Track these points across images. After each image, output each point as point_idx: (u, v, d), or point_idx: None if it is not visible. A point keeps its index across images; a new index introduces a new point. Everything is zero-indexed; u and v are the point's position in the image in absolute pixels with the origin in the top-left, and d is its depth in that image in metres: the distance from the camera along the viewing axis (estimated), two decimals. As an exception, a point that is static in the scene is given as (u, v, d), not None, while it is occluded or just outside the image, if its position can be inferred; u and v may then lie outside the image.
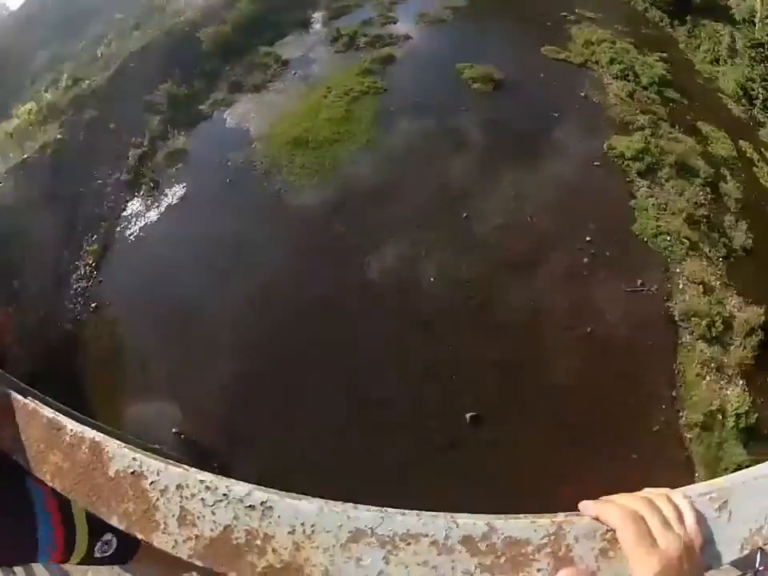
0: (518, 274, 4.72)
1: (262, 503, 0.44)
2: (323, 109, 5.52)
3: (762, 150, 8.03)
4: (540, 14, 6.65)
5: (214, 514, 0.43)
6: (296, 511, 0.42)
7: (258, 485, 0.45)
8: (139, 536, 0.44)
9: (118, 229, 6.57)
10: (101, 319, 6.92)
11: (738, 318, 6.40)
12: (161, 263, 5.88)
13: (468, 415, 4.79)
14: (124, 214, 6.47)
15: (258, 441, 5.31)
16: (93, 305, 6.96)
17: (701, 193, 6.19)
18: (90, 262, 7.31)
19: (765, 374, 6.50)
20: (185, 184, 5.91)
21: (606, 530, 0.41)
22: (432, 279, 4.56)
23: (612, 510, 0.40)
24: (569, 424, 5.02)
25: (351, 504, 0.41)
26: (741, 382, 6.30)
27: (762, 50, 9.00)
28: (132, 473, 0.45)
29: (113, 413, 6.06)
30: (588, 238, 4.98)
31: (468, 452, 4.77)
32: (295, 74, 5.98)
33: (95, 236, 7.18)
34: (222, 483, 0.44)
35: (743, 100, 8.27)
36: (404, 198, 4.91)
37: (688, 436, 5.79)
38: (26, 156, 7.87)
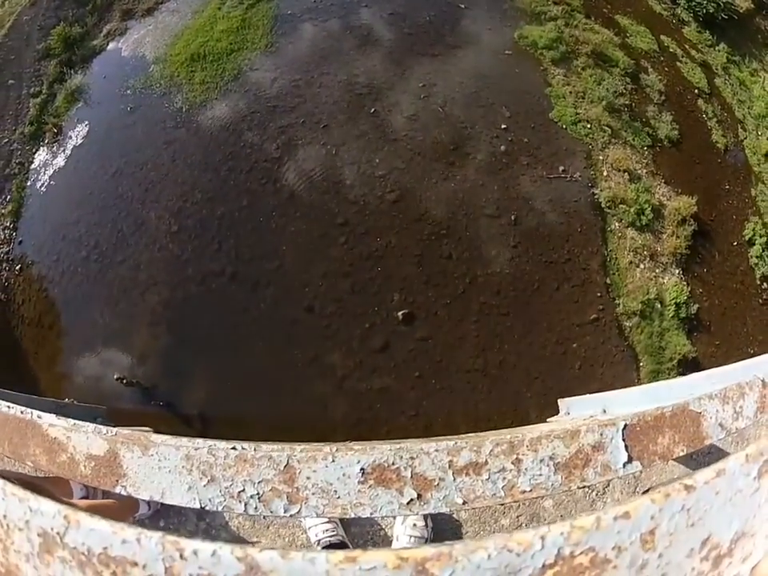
0: (434, 165, 4.62)
1: None
2: (218, 21, 5.24)
3: (687, 47, 8.05)
4: None
5: None
6: None
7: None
8: None
9: (29, 183, 6.22)
10: (28, 280, 6.66)
11: (669, 207, 6.49)
12: (75, 207, 5.63)
13: (400, 313, 4.74)
14: (32, 167, 6.13)
15: (198, 368, 5.22)
16: (17, 267, 6.69)
17: (620, 83, 6.15)
18: (8, 224, 6.94)
19: (701, 264, 6.66)
20: (87, 122, 5.59)
21: None
22: (344, 176, 4.43)
23: None
24: (503, 313, 5.04)
25: (34, 495, 0.31)
26: (677, 271, 6.41)
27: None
28: None
29: (55, 374, 5.90)
30: (504, 126, 4.89)
31: (404, 350, 4.75)
32: (188, -11, 5.65)
33: (8, 197, 6.82)
34: None
35: (665, -2, 8.20)
36: (309, 99, 4.72)
37: (627, 324, 5.87)
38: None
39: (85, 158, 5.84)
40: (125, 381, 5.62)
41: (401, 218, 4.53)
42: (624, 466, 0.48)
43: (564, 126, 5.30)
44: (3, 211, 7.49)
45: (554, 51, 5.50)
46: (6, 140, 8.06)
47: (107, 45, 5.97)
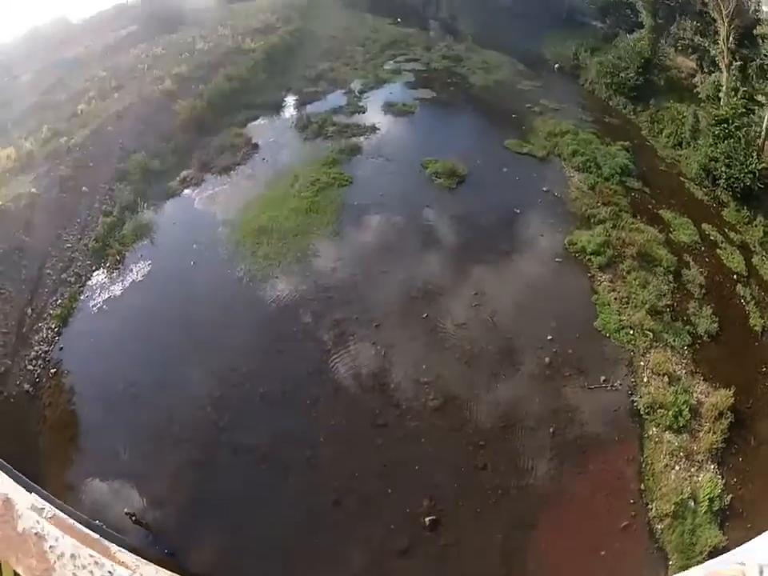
0: (478, 376, 4.68)
1: None
2: (289, 198, 5.57)
3: (726, 230, 8.27)
4: (505, 105, 6.86)
5: None
6: None
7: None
8: None
9: (82, 297, 6.47)
10: (59, 385, 6.78)
11: (706, 404, 6.38)
12: (122, 339, 5.78)
13: (427, 519, 4.63)
14: (89, 283, 6.40)
15: (212, 531, 5.08)
16: (52, 370, 6.81)
17: (663, 282, 6.29)
18: (53, 326, 7.15)
19: (737, 454, 6.45)
20: (150, 261, 5.86)
21: None
22: (390, 378, 4.50)
23: None
24: (531, 524, 4.89)
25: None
26: (712, 466, 6.23)
27: (725, 126, 9.23)
28: (35, 534, 0.52)
29: (62, 482, 5.82)
30: (550, 337, 4.98)
31: (426, 556, 4.60)
32: (264, 159, 6.06)
33: (59, 301, 7.06)
34: (109, 561, 0.50)
35: (706, 182, 8.53)
36: (366, 295, 4.90)
37: (659, 527, 5.66)
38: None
39: (142, 296, 5.99)
40: (134, 518, 5.49)
41: (440, 425, 4.54)
42: None
43: (607, 335, 5.38)
44: (52, 312, 7.71)
45: (601, 257, 5.69)
46: (70, 245, 8.40)
47: (182, 190, 6.33)
